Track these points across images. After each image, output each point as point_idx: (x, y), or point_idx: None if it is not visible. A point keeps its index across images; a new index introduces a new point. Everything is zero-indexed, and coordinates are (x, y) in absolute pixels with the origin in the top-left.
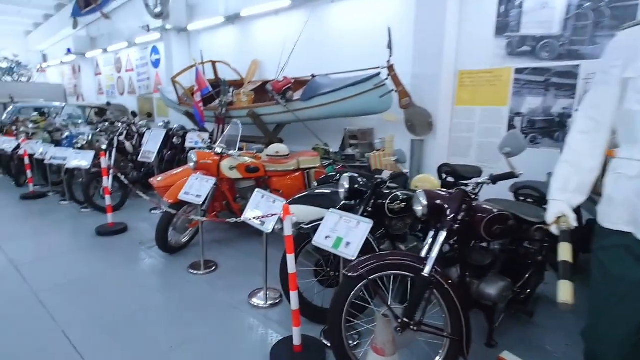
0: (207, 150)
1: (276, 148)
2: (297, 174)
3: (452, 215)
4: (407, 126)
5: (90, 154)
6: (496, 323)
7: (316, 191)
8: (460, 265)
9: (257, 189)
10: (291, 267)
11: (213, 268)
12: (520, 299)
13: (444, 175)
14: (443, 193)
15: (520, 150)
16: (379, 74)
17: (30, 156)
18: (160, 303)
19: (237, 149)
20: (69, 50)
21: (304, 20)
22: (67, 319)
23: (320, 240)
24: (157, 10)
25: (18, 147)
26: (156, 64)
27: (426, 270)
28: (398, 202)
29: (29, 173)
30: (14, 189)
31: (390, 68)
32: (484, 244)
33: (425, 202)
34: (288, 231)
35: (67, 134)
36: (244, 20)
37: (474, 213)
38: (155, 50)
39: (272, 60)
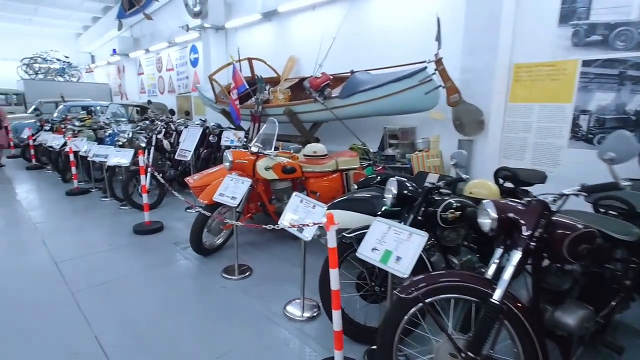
0: (243, 150)
1: (314, 148)
2: (335, 175)
3: (529, 232)
4: (455, 125)
5: (130, 152)
6: (573, 358)
7: (357, 195)
8: (532, 289)
9: (295, 193)
10: (335, 284)
11: (247, 274)
12: (603, 330)
13: (500, 181)
14: (516, 204)
15: (629, 156)
16: (425, 68)
17: (75, 153)
18: (193, 309)
19: (273, 149)
20: (114, 51)
21: (343, 15)
22: (100, 323)
23: (365, 252)
24: (197, 9)
25: (65, 144)
26: (194, 62)
27: (496, 296)
28: (452, 210)
29: (73, 170)
30: (61, 184)
31: (439, 62)
32: (561, 265)
33: (495, 215)
34: (332, 243)
35: (109, 131)
36: (281, 16)
37: (553, 229)
38: (194, 49)
39: (309, 56)
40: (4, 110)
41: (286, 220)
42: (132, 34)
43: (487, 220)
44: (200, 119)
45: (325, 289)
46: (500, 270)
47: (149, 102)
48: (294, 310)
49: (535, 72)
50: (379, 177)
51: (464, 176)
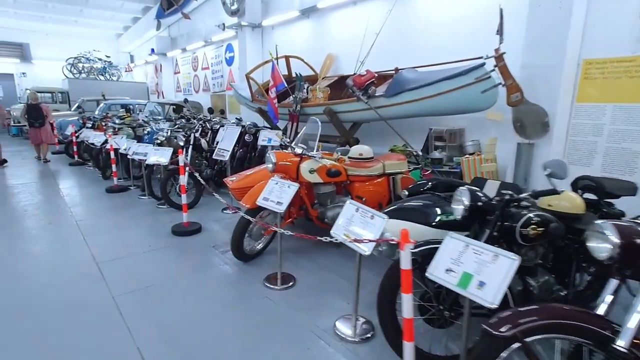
0: (285, 151)
1: (359, 150)
2: (381, 179)
3: None
4: (516, 127)
5: (169, 151)
6: None
7: (410, 203)
8: None
9: (349, 200)
10: (408, 311)
11: (291, 283)
12: None
13: (579, 191)
14: None
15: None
16: (483, 64)
17: (116, 151)
18: (235, 320)
19: (315, 150)
20: (152, 51)
21: (387, 10)
22: (142, 333)
23: (438, 273)
24: (234, 7)
25: (106, 141)
26: (230, 61)
27: (622, 342)
28: (534, 226)
29: (113, 167)
30: (101, 181)
31: (499, 58)
32: None
33: (617, 240)
34: (406, 263)
35: (148, 130)
36: (320, 13)
37: None
38: (229, 48)
39: (348, 54)
40: (49, 108)
41: (340, 230)
42: (170, 33)
43: (605, 245)
44: (236, 118)
45: (385, 311)
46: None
47: (186, 100)
48: (345, 328)
49: (610, 69)
50: (429, 183)
51: (559, 189)
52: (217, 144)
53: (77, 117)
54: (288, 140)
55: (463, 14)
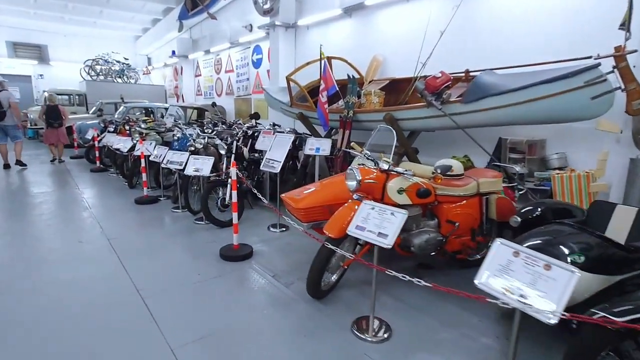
0: (362, 165)
1: (447, 164)
2: (472, 199)
3: None
4: (636, 139)
5: (210, 160)
6: None
7: (552, 237)
8: None
9: (499, 240)
10: None
11: (386, 334)
12: None
13: None
14: None
15: None
16: (597, 65)
17: (146, 158)
18: None
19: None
20: (173, 53)
21: (451, 5)
22: None
23: None
24: (267, 6)
25: (133, 147)
26: (257, 64)
27: None
28: None
29: (144, 176)
30: (127, 190)
31: (620, 57)
32: None
33: None
34: None
35: (178, 135)
36: (365, 11)
37: None
38: (257, 49)
39: (398, 55)
40: (66, 110)
41: (495, 283)
42: (191, 35)
43: None
44: (273, 124)
45: None
46: None
47: (214, 104)
48: None
49: None
50: (538, 209)
51: None
52: (257, 152)
53: (97, 121)
54: (368, 153)
55: (544, 10)
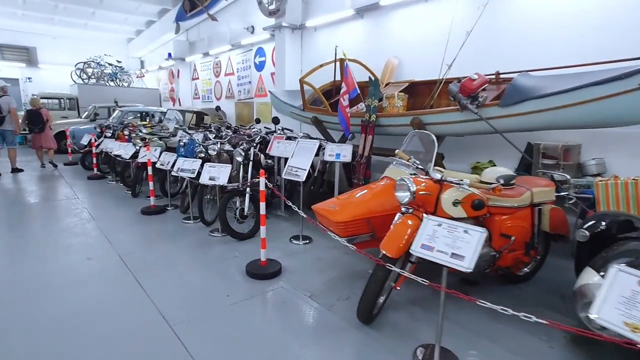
0: (413, 174)
1: (510, 174)
2: (525, 211)
3: None
4: None
5: (226, 168)
6: None
7: None
8: None
9: (617, 266)
10: None
11: None
12: None
13: None
14: None
15: None
16: None
17: (153, 165)
18: None
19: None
20: (169, 55)
21: (474, 6)
22: None
23: None
24: (272, 7)
25: (136, 154)
26: (260, 66)
27: None
28: None
29: (150, 185)
30: (130, 199)
31: None
32: None
33: None
34: None
35: (184, 140)
36: (378, 12)
37: None
38: (260, 52)
39: (414, 57)
40: (49, 113)
41: (613, 315)
42: (188, 37)
43: None
44: (285, 129)
45: None
46: None
47: (218, 108)
48: None
49: None
50: (602, 222)
51: None
52: (269, 159)
53: (92, 125)
54: (417, 162)
55: (582, 7)
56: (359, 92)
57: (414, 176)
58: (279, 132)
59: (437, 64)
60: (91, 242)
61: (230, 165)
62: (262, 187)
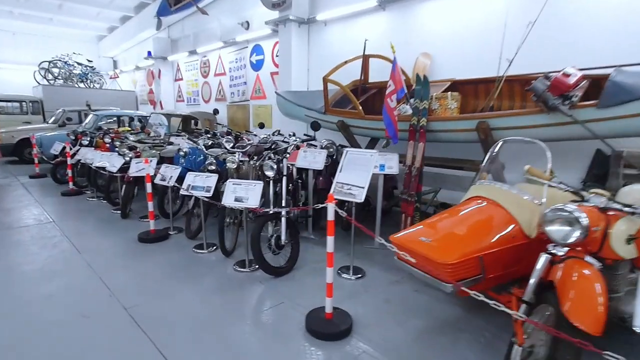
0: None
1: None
2: None
3: None
4: None
5: (258, 186)
6: None
7: None
8: None
9: None
10: None
11: None
12: None
13: None
14: None
15: None
16: None
17: (152, 180)
18: None
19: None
20: (149, 54)
21: None
22: None
23: None
24: None
25: (126, 166)
26: (257, 65)
27: None
28: None
29: (150, 206)
30: (120, 222)
31: None
32: None
33: None
34: None
35: (185, 149)
36: (405, 2)
37: None
38: (257, 49)
39: (449, 53)
40: None
41: None
42: (170, 34)
43: None
44: (293, 133)
45: None
46: None
47: (216, 111)
48: None
49: None
50: None
51: None
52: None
53: (64, 132)
54: (564, 184)
55: None
56: (406, 91)
57: (579, 204)
58: (294, 138)
59: (482, 60)
60: (81, 288)
61: (261, 182)
62: (331, 216)
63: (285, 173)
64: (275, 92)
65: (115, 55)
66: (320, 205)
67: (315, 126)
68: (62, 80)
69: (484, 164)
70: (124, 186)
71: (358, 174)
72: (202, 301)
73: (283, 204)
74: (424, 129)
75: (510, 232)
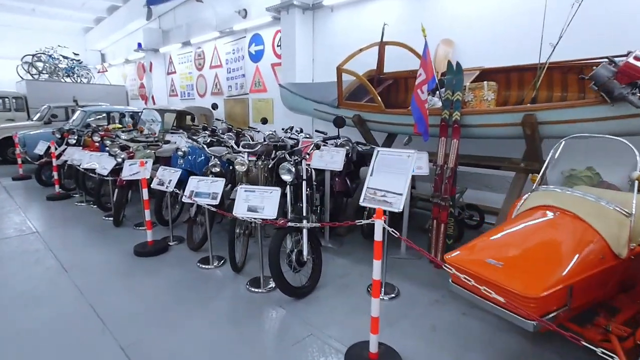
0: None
1: None
2: None
3: None
4: None
5: (275, 194)
6: None
7: None
8: None
9: None
10: None
11: None
12: None
13: None
14: None
15: None
16: None
17: (149, 184)
18: None
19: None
20: (139, 46)
21: None
22: None
23: None
24: None
25: (118, 167)
26: (257, 56)
27: None
28: None
29: (147, 214)
30: (113, 231)
31: None
32: None
33: None
34: None
35: (184, 149)
36: None
37: None
38: (256, 39)
39: (475, 40)
40: None
41: None
42: (161, 25)
43: None
44: (300, 129)
45: None
46: None
47: (215, 106)
48: None
49: None
50: None
51: None
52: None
53: (50, 129)
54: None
55: None
56: (437, 82)
57: None
58: (303, 134)
59: (515, 46)
60: (68, 320)
61: (279, 188)
62: (378, 236)
63: (304, 177)
64: (279, 84)
65: (103, 48)
66: (365, 222)
67: (340, 122)
68: (47, 75)
69: (545, 166)
70: (117, 190)
71: (393, 178)
72: (214, 334)
73: (304, 214)
74: (458, 123)
75: (598, 252)
